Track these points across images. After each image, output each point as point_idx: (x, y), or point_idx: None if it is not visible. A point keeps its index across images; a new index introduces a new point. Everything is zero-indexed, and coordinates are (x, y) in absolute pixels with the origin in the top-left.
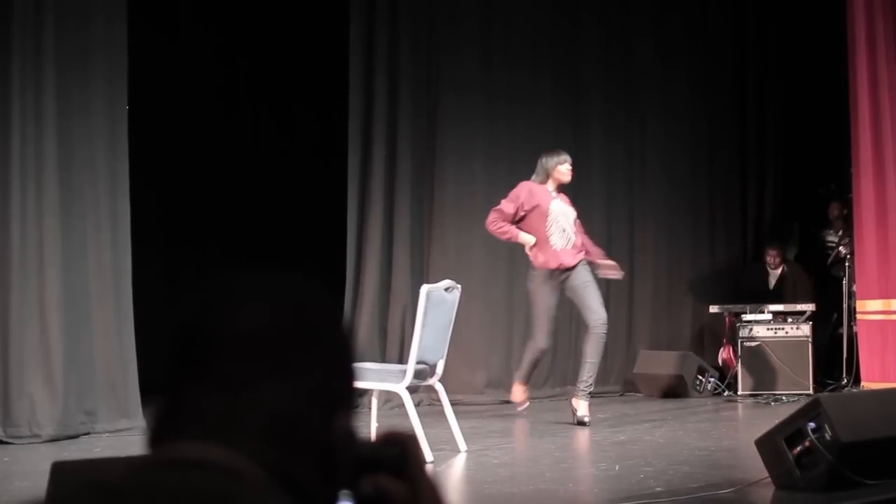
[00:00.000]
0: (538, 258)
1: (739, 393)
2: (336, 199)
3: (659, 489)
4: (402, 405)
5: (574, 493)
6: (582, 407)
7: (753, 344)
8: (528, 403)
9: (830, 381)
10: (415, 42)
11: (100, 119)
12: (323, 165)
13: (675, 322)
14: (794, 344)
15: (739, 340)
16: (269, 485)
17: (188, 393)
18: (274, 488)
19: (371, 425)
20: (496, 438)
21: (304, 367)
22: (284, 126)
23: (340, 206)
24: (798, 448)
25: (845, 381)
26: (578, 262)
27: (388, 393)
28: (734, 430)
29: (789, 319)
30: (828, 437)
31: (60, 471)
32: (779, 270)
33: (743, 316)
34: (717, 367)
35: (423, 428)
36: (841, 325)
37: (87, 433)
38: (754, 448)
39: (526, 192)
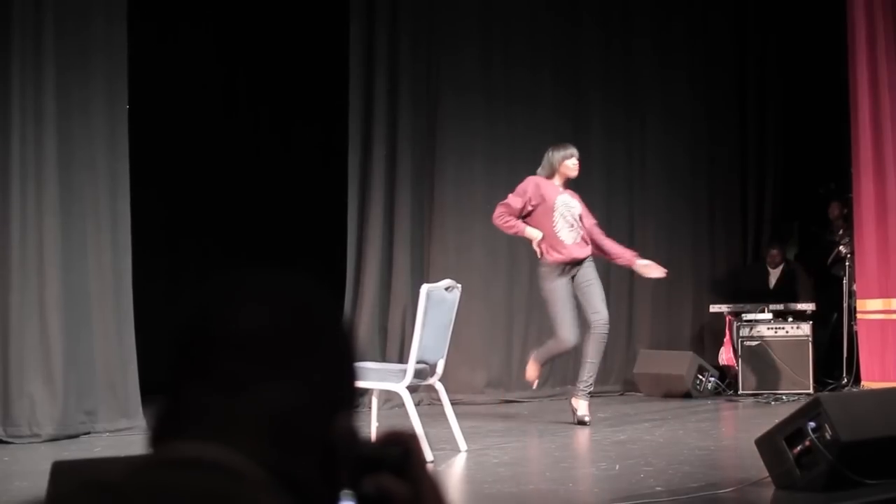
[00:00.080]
0: (549, 254)
1: (739, 392)
2: (336, 199)
3: (659, 489)
4: (402, 405)
5: (574, 493)
6: (582, 406)
7: (754, 343)
8: (537, 383)
9: (830, 381)
10: (415, 42)
11: (100, 119)
12: (323, 165)
13: (676, 321)
14: (795, 343)
15: (740, 340)
16: (270, 484)
17: (189, 393)
18: (275, 488)
19: (371, 425)
20: (496, 438)
21: (305, 367)
22: (284, 126)
23: (340, 206)
24: (798, 447)
25: (845, 380)
26: (587, 257)
27: (388, 392)
28: (734, 430)
29: (789, 319)
30: (828, 436)
31: (60, 470)
32: (779, 270)
33: (743, 315)
34: (717, 367)
35: (423, 427)
36: (841, 324)
37: (87, 433)
38: (754, 448)
39: (533, 186)
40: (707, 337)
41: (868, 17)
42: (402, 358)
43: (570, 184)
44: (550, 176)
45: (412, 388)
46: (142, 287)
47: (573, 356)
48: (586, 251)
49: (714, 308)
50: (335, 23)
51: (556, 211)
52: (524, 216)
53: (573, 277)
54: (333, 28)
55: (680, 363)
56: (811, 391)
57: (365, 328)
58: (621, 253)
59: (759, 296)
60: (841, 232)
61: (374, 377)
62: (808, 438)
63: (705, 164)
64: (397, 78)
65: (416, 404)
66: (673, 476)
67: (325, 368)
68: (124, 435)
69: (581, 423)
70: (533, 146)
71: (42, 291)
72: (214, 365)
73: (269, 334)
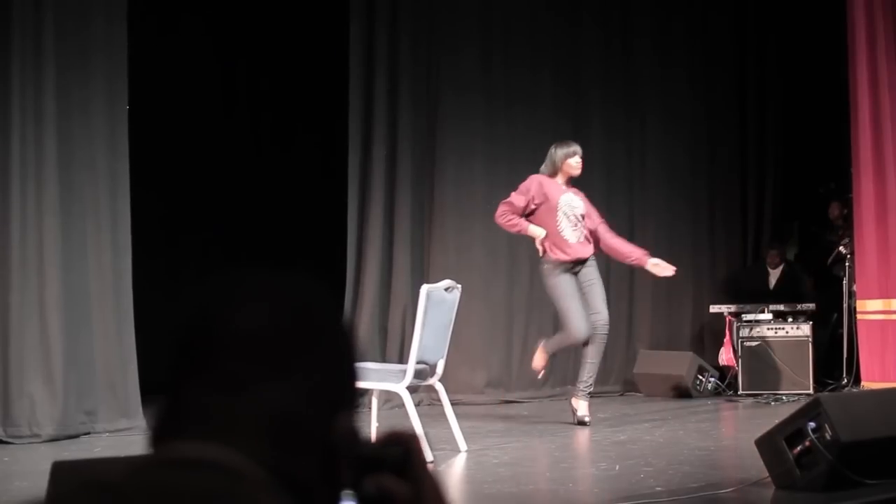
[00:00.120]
0: (553, 252)
1: (739, 393)
2: (336, 199)
3: (659, 489)
4: (402, 405)
5: (574, 493)
6: (582, 407)
7: (754, 344)
8: (544, 373)
9: (830, 381)
10: (415, 42)
11: (100, 119)
12: (323, 165)
13: (676, 322)
14: (795, 344)
15: (740, 340)
16: (270, 484)
17: (189, 392)
18: (275, 488)
19: (371, 425)
20: (496, 438)
21: (305, 367)
22: (284, 126)
23: (341, 206)
24: (798, 448)
25: (845, 380)
26: (590, 257)
27: (388, 392)
28: (734, 430)
29: (789, 319)
30: (828, 436)
31: (60, 470)
32: (779, 270)
33: (743, 315)
34: (717, 367)
35: (424, 428)
36: (841, 324)
37: (87, 433)
38: (754, 448)
39: (536, 184)
40: (707, 337)
41: (868, 17)
42: (402, 358)
43: (572, 182)
44: (553, 174)
45: (412, 389)
46: (142, 287)
47: (573, 357)
48: (589, 250)
49: (714, 308)
50: (335, 23)
51: (559, 210)
52: (527, 215)
53: (576, 275)
54: (333, 28)
55: (680, 363)
56: (811, 391)
57: (365, 328)
58: (631, 252)
59: (759, 296)
60: (841, 232)
61: (374, 377)
62: (808, 438)
63: (705, 164)
64: (397, 78)
65: (416, 404)
66: (673, 476)
67: (326, 368)
68: (124, 435)
69: (581, 423)
70: (533, 146)
71: (42, 291)
72: (214, 365)
73: (269, 334)
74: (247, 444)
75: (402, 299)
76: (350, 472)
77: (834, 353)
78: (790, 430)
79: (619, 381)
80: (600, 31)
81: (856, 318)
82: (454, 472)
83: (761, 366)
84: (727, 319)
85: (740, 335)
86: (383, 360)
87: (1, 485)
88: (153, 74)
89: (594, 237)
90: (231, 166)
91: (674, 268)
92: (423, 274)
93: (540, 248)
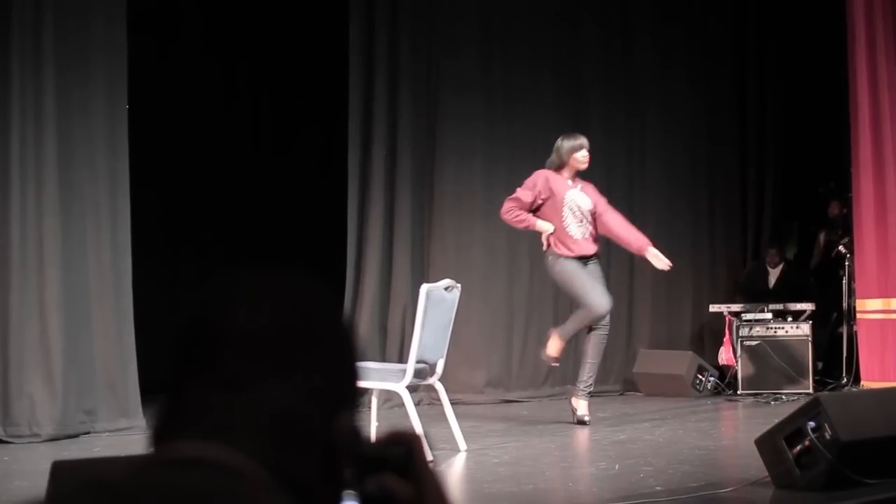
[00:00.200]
0: (557, 247)
1: (739, 392)
2: (336, 199)
3: (659, 488)
4: (401, 404)
5: (574, 493)
6: (582, 406)
7: (753, 343)
8: (558, 364)
9: (830, 381)
10: (415, 42)
11: (100, 118)
12: (323, 165)
13: (675, 321)
14: (794, 343)
15: (739, 339)
16: (271, 484)
17: (190, 392)
18: (275, 487)
19: (371, 424)
20: (496, 438)
21: (306, 367)
22: (284, 126)
23: (341, 206)
24: (798, 447)
25: (845, 380)
26: (594, 254)
27: (388, 392)
28: (734, 430)
29: (789, 318)
30: (827, 436)
31: (60, 470)
32: (779, 269)
33: (743, 315)
34: (716, 367)
35: (423, 427)
36: (841, 324)
37: (87, 433)
38: (754, 447)
39: (542, 180)
40: (707, 337)
41: (868, 17)
42: (402, 358)
43: (580, 175)
44: (560, 168)
45: (412, 388)
46: (142, 286)
47: (573, 356)
48: (594, 248)
49: (714, 308)
50: (335, 23)
51: (565, 206)
52: (533, 210)
53: None
54: (333, 28)
55: (680, 363)
56: (811, 391)
57: (365, 328)
58: (631, 242)
59: (758, 295)
60: (841, 231)
61: (374, 377)
62: (808, 438)
63: (705, 164)
64: (397, 78)
65: (416, 404)
66: (673, 476)
67: (326, 368)
68: (124, 435)
69: (581, 422)
70: (533, 146)
71: (42, 291)
72: (215, 364)
73: (269, 334)
74: (247, 443)
75: (402, 299)
76: (352, 472)
77: (834, 352)
78: (790, 430)
79: (618, 380)
80: (600, 31)
81: (855, 317)
82: (454, 472)
83: (761, 365)
84: (727, 319)
85: (740, 334)
86: (383, 359)
87: (1, 484)
88: (153, 74)
89: (599, 223)
90: (231, 166)
91: (670, 264)
92: (422, 273)
93: (545, 241)
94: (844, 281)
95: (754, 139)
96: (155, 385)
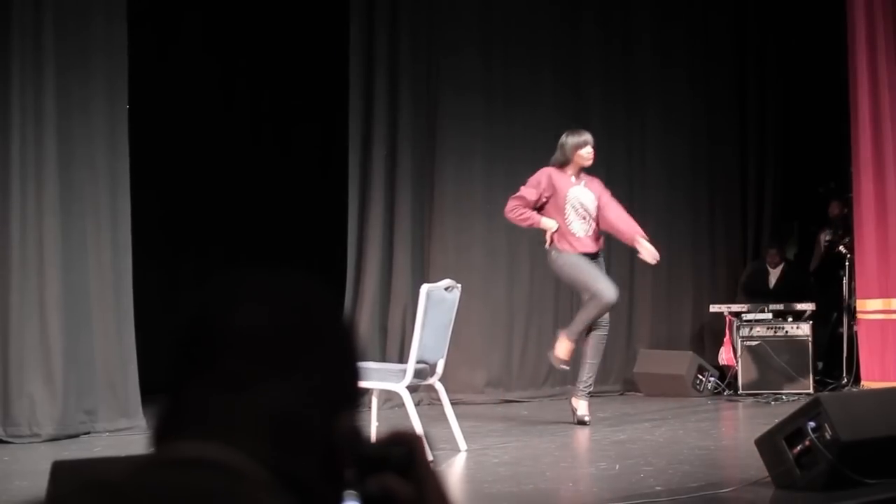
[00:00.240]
0: (560, 243)
1: (739, 392)
2: (336, 199)
3: (659, 488)
4: (401, 404)
5: (574, 493)
6: (582, 406)
7: (753, 343)
8: (568, 367)
9: (830, 381)
10: (415, 42)
11: (100, 118)
12: (323, 165)
13: (676, 321)
14: (795, 343)
15: (739, 339)
16: (271, 484)
17: (191, 392)
18: (276, 488)
19: (371, 424)
20: (496, 438)
21: (306, 367)
22: (285, 126)
23: (341, 206)
24: (798, 447)
25: (845, 380)
26: (597, 252)
27: (388, 392)
28: (734, 430)
29: (789, 318)
30: (828, 436)
31: (60, 470)
32: (779, 269)
33: (743, 315)
34: (717, 367)
35: (423, 427)
36: (841, 324)
37: (87, 433)
38: (754, 447)
39: (546, 177)
40: (707, 336)
41: (868, 17)
42: (402, 358)
43: (586, 171)
44: (564, 164)
45: (412, 388)
46: (142, 286)
47: (574, 356)
48: (596, 246)
49: (714, 308)
50: (335, 23)
51: (567, 204)
52: (537, 208)
53: None
54: (333, 28)
55: (680, 363)
56: (811, 391)
57: (365, 328)
58: (626, 230)
59: (758, 295)
60: (841, 231)
61: (375, 377)
62: (808, 438)
63: (705, 164)
64: (397, 78)
65: (416, 404)
66: (673, 476)
67: (327, 368)
68: (124, 435)
69: (581, 422)
70: (533, 146)
71: (42, 291)
72: (215, 364)
73: (269, 334)
74: (248, 443)
75: (402, 299)
76: (353, 472)
77: (834, 352)
78: (790, 430)
79: (619, 380)
80: (600, 32)
81: (856, 317)
82: (454, 472)
83: (761, 365)
84: (727, 319)
85: (740, 334)
86: (383, 359)
87: (1, 484)
88: (153, 74)
89: (600, 217)
90: (231, 166)
91: (657, 257)
92: (423, 273)
93: (548, 238)
94: (845, 281)
95: (754, 139)
96: (155, 385)
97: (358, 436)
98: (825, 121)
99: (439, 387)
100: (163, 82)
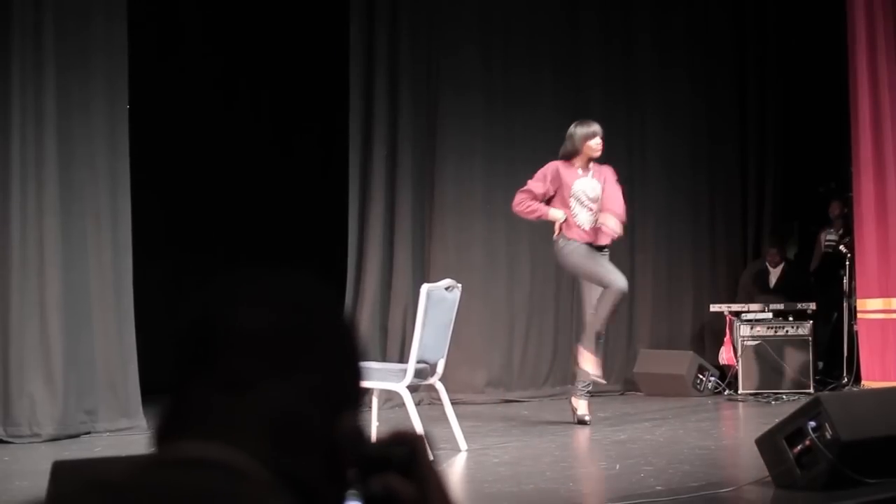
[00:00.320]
0: (568, 233)
1: (740, 392)
2: (337, 199)
3: (659, 488)
4: (402, 404)
5: (574, 493)
6: (582, 406)
7: (754, 343)
8: (604, 380)
9: (831, 380)
10: (415, 42)
11: (100, 118)
12: (323, 165)
13: (676, 321)
14: (795, 343)
15: (740, 339)
16: (273, 484)
17: (193, 392)
18: (278, 487)
19: (372, 424)
20: (496, 438)
21: (307, 366)
22: (285, 126)
23: (341, 206)
24: (798, 447)
25: (846, 379)
26: (605, 246)
27: (389, 392)
28: (734, 429)
29: (790, 318)
30: (828, 435)
31: (61, 470)
32: (779, 269)
33: (743, 314)
34: (717, 366)
35: (424, 427)
36: (841, 323)
37: (88, 433)
38: (755, 447)
39: (553, 171)
40: (707, 336)
41: (868, 18)
42: (403, 357)
43: (597, 160)
44: (573, 156)
45: (412, 388)
46: (142, 286)
47: (574, 356)
48: (604, 240)
49: (714, 307)
50: (335, 23)
51: (572, 196)
52: (546, 202)
53: None
54: (333, 28)
55: (680, 363)
56: (811, 391)
57: (365, 327)
58: (605, 207)
59: (759, 295)
60: (841, 231)
61: (375, 377)
62: (809, 438)
63: (705, 163)
64: (397, 78)
65: (417, 404)
66: (673, 475)
67: (328, 368)
68: (125, 434)
69: (581, 422)
70: (533, 146)
71: (42, 291)
72: (217, 365)
73: (271, 334)
74: (249, 443)
75: (403, 298)
76: (355, 472)
77: (834, 352)
78: (790, 430)
79: (619, 380)
80: (600, 32)
81: (856, 317)
82: (455, 472)
83: (762, 365)
84: (727, 318)
85: (740, 334)
86: (384, 359)
87: (1, 485)
88: (153, 74)
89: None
90: (231, 166)
91: (618, 233)
92: (423, 273)
93: (556, 229)
94: (845, 280)
95: (754, 138)
96: (155, 385)
97: (360, 435)
98: (825, 121)
99: (440, 386)
100: (163, 82)
